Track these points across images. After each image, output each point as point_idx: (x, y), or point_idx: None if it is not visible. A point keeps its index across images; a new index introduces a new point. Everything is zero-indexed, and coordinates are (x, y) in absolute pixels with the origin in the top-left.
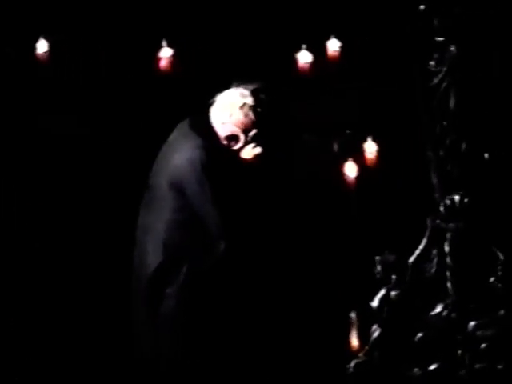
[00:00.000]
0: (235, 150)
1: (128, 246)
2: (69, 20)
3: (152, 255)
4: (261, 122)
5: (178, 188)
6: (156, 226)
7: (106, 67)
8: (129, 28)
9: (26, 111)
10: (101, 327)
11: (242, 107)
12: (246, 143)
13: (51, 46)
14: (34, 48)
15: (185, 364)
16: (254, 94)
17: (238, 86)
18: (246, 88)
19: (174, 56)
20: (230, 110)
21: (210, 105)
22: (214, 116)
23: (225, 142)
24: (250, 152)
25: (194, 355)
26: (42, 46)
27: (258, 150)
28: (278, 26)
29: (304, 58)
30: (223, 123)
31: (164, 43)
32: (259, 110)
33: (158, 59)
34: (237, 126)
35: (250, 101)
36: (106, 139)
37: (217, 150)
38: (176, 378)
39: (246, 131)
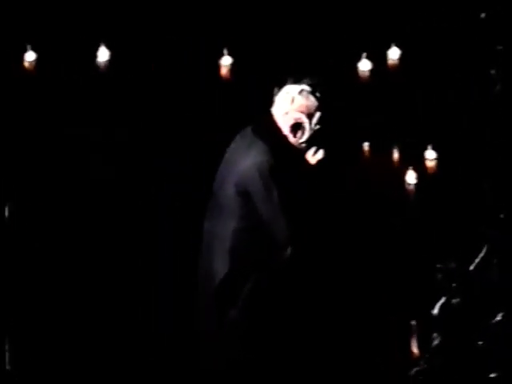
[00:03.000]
0: (301, 153)
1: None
2: (130, 28)
3: (219, 264)
4: (322, 105)
5: (244, 195)
6: (222, 234)
7: (170, 75)
8: (187, 36)
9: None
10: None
11: (300, 92)
12: (312, 132)
13: (112, 54)
14: (94, 56)
15: (248, 370)
16: (310, 84)
17: (293, 82)
18: (301, 82)
19: (234, 64)
20: (290, 98)
21: (271, 105)
22: (277, 111)
23: (291, 136)
24: (313, 157)
25: (258, 361)
26: (103, 55)
27: (321, 154)
28: (340, 34)
29: (364, 66)
30: (286, 113)
31: (225, 51)
32: (318, 94)
33: (219, 67)
34: (300, 111)
35: (307, 87)
36: (168, 146)
37: (282, 156)
38: (238, 379)
39: (309, 115)
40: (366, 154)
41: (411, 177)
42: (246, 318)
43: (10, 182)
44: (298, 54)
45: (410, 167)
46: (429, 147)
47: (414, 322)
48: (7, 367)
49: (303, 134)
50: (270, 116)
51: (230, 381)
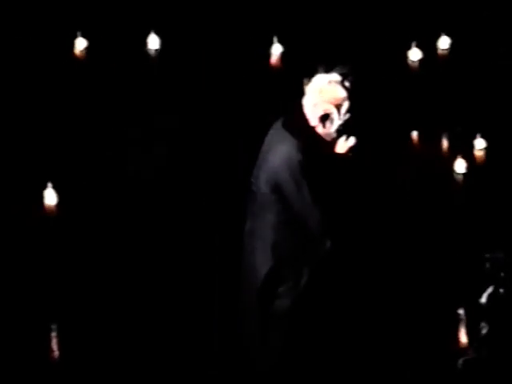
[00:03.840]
0: (330, 145)
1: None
2: (180, 16)
3: (261, 259)
4: (350, 96)
5: (277, 190)
6: (262, 230)
7: (218, 63)
8: (238, 26)
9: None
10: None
11: (329, 82)
12: (340, 122)
13: (163, 42)
14: (144, 44)
15: (291, 363)
16: (339, 73)
17: (323, 71)
18: (331, 72)
19: (283, 53)
20: (318, 89)
21: (302, 97)
22: (306, 103)
23: (320, 127)
24: (344, 145)
25: (301, 354)
26: (153, 43)
27: (352, 141)
28: (390, 24)
29: (414, 55)
30: (315, 104)
31: (275, 39)
32: (346, 84)
33: (269, 55)
34: (328, 102)
35: (336, 77)
36: (218, 136)
37: (312, 149)
38: (281, 376)
39: (338, 106)
40: (415, 142)
41: (460, 166)
42: (292, 309)
43: (60, 170)
44: (347, 43)
45: (459, 156)
46: (478, 136)
47: (461, 311)
48: (55, 355)
49: (332, 124)
50: (299, 108)
51: (272, 377)
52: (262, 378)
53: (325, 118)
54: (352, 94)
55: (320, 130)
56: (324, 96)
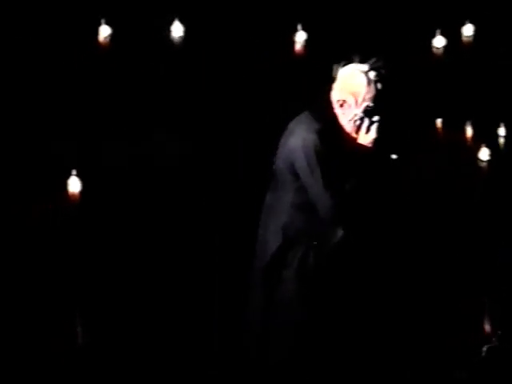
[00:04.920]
0: (351, 135)
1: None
2: (204, 3)
3: (272, 236)
4: (376, 88)
5: (292, 170)
6: (277, 208)
7: (243, 51)
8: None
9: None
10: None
11: (353, 71)
12: (358, 112)
13: (186, 29)
14: (169, 31)
15: (296, 349)
16: (370, 65)
17: (357, 61)
18: (365, 63)
19: (307, 40)
20: (342, 76)
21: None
22: (333, 90)
23: (340, 115)
24: (365, 137)
25: (305, 339)
26: (177, 30)
27: (373, 134)
28: (414, 11)
29: (438, 42)
30: (335, 91)
31: (299, 27)
32: (371, 76)
33: (293, 43)
34: (347, 90)
35: (362, 67)
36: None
37: (332, 135)
38: (285, 362)
39: (355, 95)
40: (440, 130)
41: (484, 154)
42: (296, 294)
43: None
44: (372, 32)
45: (483, 144)
46: (502, 124)
47: (486, 299)
48: (79, 342)
49: (348, 113)
50: (326, 94)
51: (275, 357)
52: (264, 374)
53: (342, 105)
54: (379, 87)
55: (340, 117)
56: (344, 84)
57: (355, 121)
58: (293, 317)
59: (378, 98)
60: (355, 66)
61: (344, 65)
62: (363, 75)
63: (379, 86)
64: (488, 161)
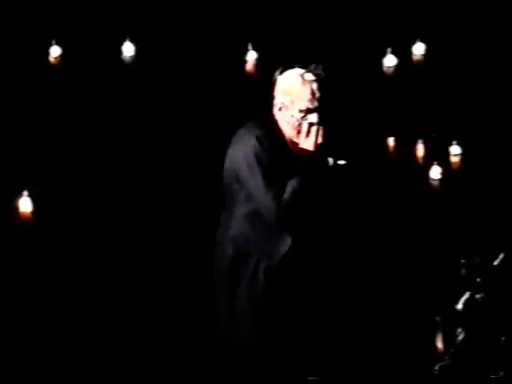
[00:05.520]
0: (294, 140)
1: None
2: (156, 23)
3: (226, 250)
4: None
5: (238, 179)
6: (228, 221)
7: (194, 70)
8: (214, 33)
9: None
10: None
11: (290, 75)
12: (294, 114)
13: (137, 49)
14: (119, 51)
15: (259, 354)
16: (306, 68)
17: (284, 68)
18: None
19: (258, 59)
20: (279, 80)
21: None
22: (274, 95)
23: (279, 115)
24: (306, 142)
25: (266, 345)
26: (128, 50)
27: (313, 138)
28: (366, 30)
29: (389, 61)
30: (274, 94)
31: (249, 46)
32: (307, 77)
33: (244, 62)
34: (283, 92)
35: (298, 71)
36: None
37: (274, 140)
38: (250, 367)
39: (291, 98)
40: (391, 148)
41: (436, 172)
42: (251, 302)
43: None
44: (323, 48)
45: (435, 162)
46: (454, 143)
47: (438, 318)
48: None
49: (285, 115)
50: (269, 103)
51: (243, 369)
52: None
53: (281, 109)
54: (314, 87)
55: (280, 122)
56: (281, 86)
57: (293, 123)
58: (249, 329)
59: (313, 98)
60: (292, 70)
61: (282, 71)
62: (298, 76)
63: (314, 86)
64: (439, 179)
